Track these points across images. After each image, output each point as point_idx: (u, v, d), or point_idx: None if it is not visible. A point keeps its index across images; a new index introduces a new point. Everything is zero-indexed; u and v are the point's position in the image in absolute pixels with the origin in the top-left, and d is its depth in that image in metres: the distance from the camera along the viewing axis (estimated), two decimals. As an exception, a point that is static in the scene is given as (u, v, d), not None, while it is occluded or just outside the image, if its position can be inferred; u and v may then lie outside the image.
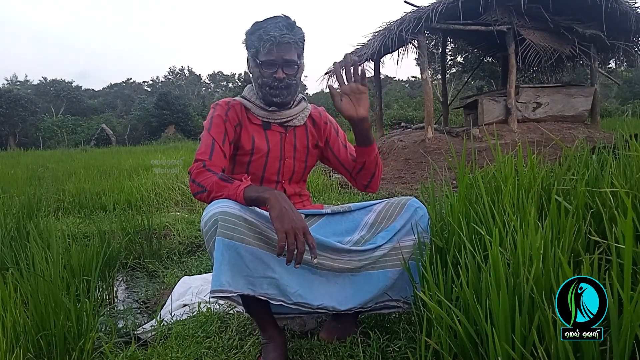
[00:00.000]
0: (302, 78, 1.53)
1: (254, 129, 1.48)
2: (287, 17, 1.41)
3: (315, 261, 1.18)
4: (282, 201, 1.17)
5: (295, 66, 1.41)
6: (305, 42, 1.44)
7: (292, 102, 1.50)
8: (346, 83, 1.36)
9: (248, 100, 1.49)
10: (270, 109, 1.46)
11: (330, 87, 1.36)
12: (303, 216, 1.45)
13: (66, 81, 45.02)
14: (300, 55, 1.44)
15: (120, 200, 4.45)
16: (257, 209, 1.28)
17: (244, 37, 1.45)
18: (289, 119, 1.50)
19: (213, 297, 1.19)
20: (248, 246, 1.20)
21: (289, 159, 1.51)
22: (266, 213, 1.29)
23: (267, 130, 1.49)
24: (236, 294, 1.19)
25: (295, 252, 1.13)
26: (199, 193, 1.32)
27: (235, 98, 1.51)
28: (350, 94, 1.35)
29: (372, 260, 1.38)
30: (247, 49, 1.45)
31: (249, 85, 1.54)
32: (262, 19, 1.41)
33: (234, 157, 1.49)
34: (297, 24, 1.42)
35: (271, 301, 1.25)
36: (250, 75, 1.49)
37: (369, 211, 1.49)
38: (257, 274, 1.21)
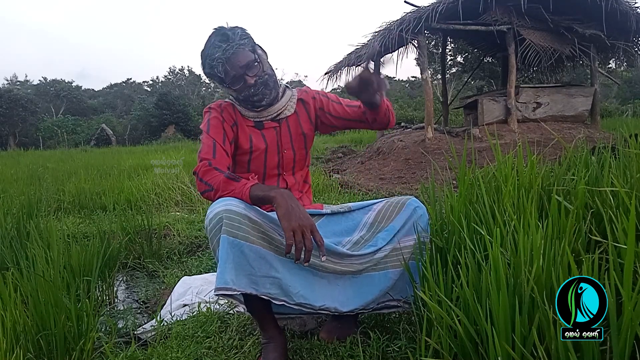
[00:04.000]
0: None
1: (249, 129, 1.49)
2: (219, 30, 1.40)
3: (323, 259, 1.19)
4: (288, 200, 1.17)
5: (255, 63, 1.40)
6: (248, 35, 1.42)
7: (279, 95, 1.50)
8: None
9: (237, 104, 1.50)
10: (260, 108, 1.47)
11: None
12: None
13: (66, 81, 45.04)
14: (254, 50, 1.42)
15: (120, 200, 4.45)
16: (259, 208, 1.28)
17: (204, 75, 1.45)
18: (279, 111, 1.51)
19: (217, 295, 1.19)
20: (252, 245, 1.20)
21: (287, 150, 1.52)
22: (270, 213, 1.29)
23: (261, 129, 1.50)
24: (239, 293, 1.19)
25: (303, 250, 1.13)
26: (207, 192, 1.32)
27: (226, 100, 1.53)
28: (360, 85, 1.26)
29: (373, 263, 1.38)
30: (213, 81, 1.45)
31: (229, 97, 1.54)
32: (203, 47, 1.41)
33: (233, 157, 1.49)
34: (232, 26, 1.41)
35: (273, 301, 1.25)
36: (232, 97, 1.49)
37: (368, 210, 1.49)
38: (260, 273, 1.22)
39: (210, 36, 1.40)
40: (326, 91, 1.64)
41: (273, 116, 1.50)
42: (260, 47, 1.47)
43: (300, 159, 1.56)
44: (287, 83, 1.60)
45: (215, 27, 1.41)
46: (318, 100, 1.58)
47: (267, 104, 1.45)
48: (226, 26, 1.41)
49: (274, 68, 1.50)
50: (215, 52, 1.36)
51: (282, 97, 1.52)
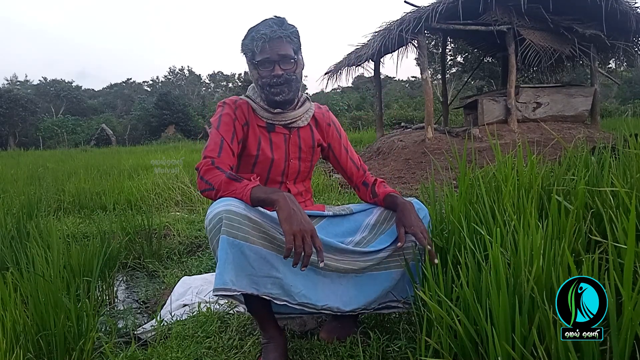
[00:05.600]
0: (303, 78, 1.52)
1: (259, 131, 1.48)
2: (277, 17, 1.42)
3: (322, 265, 1.18)
4: (290, 203, 1.17)
5: (292, 60, 1.41)
6: (299, 38, 1.44)
7: (295, 101, 1.50)
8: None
9: (253, 101, 1.49)
10: (275, 111, 1.46)
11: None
12: None
13: (66, 81, 45.07)
14: (297, 51, 1.43)
15: (120, 200, 4.45)
16: (261, 208, 1.27)
17: (240, 46, 1.45)
18: (293, 120, 1.49)
19: (216, 295, 1.19)
20: (252, 245, 1.20)
21: (294, 160, 1.51)
22: (271, 213, 1.28)
23: (271, 132, 1.49)
24: (239, 293, 1.19)
25: (302, 255, 1.13)
26: (207, 190, 1.31)
27: (242, 97, 1.51)
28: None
29: (376, 262, 1.38)
30: (244, 55, 1.45)
31: (252, 86, 1.53)
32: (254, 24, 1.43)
33: (239, 157, 1.48)
34: (289, 22, 1.43)
35: (275, 301, 1.24)
36: (252, 79, 1.48)
37: (370, 213, 1.49)
38: (261, 273, 1.21)
39: (267, 18, 1.41)
40: (327, 90, 1.64)
41: (286, 122, 1.48)
42: (303, 56, 1.48)
43: (305, 170, 1.56)
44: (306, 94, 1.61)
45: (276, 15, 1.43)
46: (332, 131, 1.59)
47: (281, 103, 1.43)
48: (284, 18, 1.43)
49: (302, 82, 1.50)
50: (264, 29, 1.37)
51: (299, 106, 1.51)
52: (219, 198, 1.27)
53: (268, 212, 1.27)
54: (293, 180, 1.54)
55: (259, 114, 1.47)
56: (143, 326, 1.84)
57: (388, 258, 1.39)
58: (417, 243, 1.36)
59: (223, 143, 1.38)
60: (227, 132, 1.40)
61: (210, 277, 2.23)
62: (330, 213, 1.48)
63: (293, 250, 1.12)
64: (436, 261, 1.28)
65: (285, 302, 1.26)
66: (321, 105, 1.63)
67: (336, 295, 1.34)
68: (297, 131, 1.52)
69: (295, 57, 1.42)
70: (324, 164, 8.14)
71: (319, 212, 1.49)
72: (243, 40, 1.43)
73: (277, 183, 1.51)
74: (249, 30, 1.42)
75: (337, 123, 1.64)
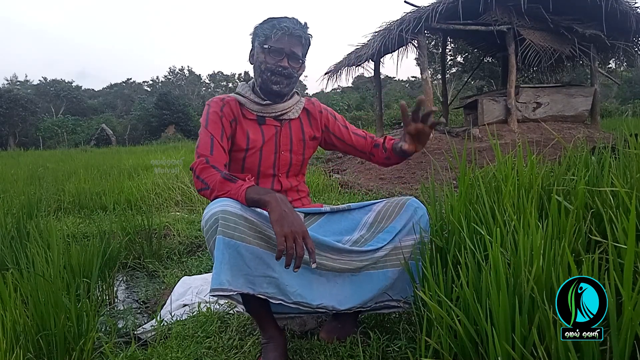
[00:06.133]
0: (302, 78, 1.55)
1: (248, 124, 1.49)
2: (300, 21, 1.47)
3: (313, 266, 1.19)
4: (282, 205, 1.17)
5: (300, 61, 1.46)
6: (310, 46, 1.49)
7: (286, 96, 1.52)
8: (413, 124, 1.36)
9: (242, 95, 1.50)
10: (265, 102, 1.48)
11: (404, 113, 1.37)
12: (302, 216, 1.46)
13: (66, 81, 45.11)
14: (305, 55, 1.48)
15: (120, 200, 4.45)
16: (257, 208, 1.28)
17: (253, 29, 1.49)
18: (283, 111, 1.52)
19: (213, 296, 1.19)
20: (248, 245, 1.20)
21: (285, 152, 1.53)
22: (267, 213, 1.29)
23: (262, 125, 1.50)
24: (236, 293, 1.20)
25: (294, 256, 1.13)
26: (203, 190, 1.33)
27: (230, 94, 1.53)
28: (415, 133, 1.37)
29: (373, 261, 1.38)
30: (255, 37, 1.48)
31: (241, 83, 1.56)
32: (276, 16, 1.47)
33: (229, 153, 1.49)
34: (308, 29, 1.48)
35: (271, 300, 1.25)
36: (252, 64, 1.51)
37: (368, 210, 1.49)
38: (257, 272, 1.22)
39: (291, 17, 1.46)
40: (327, 90, 1.67)
41: (277, 114, 1.51)
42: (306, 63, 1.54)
43: (297, 164, 1.56)
44: (301, 93, 1.64)
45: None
46: (324, 116, 1.62)
47: (274, 93, 1.46)
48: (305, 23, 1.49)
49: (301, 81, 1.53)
50: (288, 23, 1.42)
51: (289, 99, 1.54)
52: (215, 198, 1.28)
53: (264, 211, 1.28)
54: (285, 173, 1.55)
55: (249, 107, 1.49)
56: (143, 326, 1.84)
57: (385, 257, 1.39)
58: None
59: (213, 141, 1.40)
60: (215, 129, 1.42)
61: (210, 277, 2.22)
62: (328, 209, 1.49)
63: (285, 251, 1.12)
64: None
65: (280, 301, 1.26)
66: (311, 98, 1.66)
67: (331, 294, 1.34)
68: (289, 123, 1.54)
69: (302, 60, 1.47)
70: (324, 164, 8.15)
71: (317, 209, 1.49)
72: (260, 24, 1.46)
73: (270, 176, 1.52)
74: (269, 18, 1.46)
75: (329, 109, 1.67)
